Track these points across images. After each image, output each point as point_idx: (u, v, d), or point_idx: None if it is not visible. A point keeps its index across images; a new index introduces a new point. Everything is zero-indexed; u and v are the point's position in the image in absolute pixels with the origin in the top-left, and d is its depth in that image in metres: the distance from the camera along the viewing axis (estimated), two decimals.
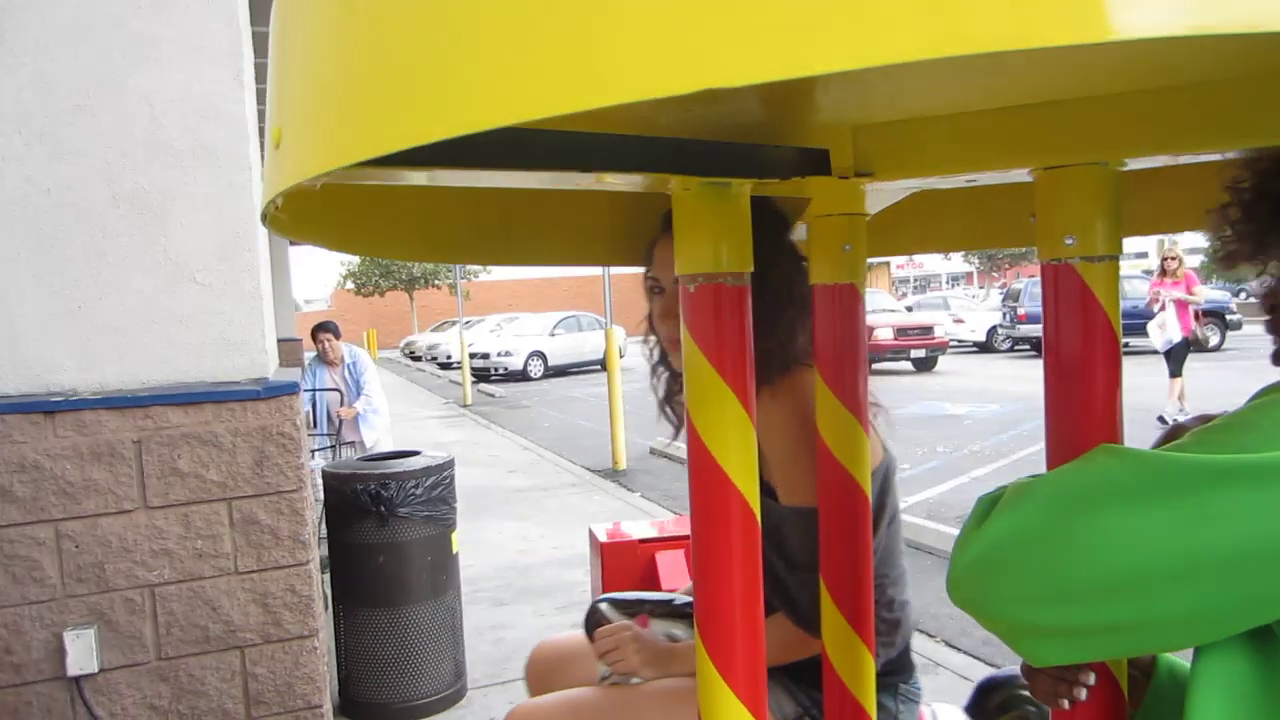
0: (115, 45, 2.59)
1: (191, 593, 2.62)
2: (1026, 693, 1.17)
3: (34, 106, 2.54)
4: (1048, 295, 0.90)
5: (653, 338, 1.44)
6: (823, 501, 1.10)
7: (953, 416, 10.75)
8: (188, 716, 2.62)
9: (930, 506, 6.38)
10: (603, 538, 2.11)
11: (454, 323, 27.06)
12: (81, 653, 2.48)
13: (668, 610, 1.53)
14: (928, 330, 18.21)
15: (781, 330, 1.29)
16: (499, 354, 21.92)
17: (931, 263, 69.29)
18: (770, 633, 1.26)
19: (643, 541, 2.11)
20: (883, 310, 18.93)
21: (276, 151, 0.52)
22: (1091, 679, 0.91)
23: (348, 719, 3.29)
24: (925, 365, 18.04)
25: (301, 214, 0.84)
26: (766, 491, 1.30)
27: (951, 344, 23.33)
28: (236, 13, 2.74)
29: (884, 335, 16.89)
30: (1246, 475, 0.67)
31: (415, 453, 3.51)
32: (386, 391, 6.62)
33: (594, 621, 1.52)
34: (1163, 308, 9.70)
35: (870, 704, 1.12)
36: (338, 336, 6.32)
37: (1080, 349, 0.87)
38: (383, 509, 3.22)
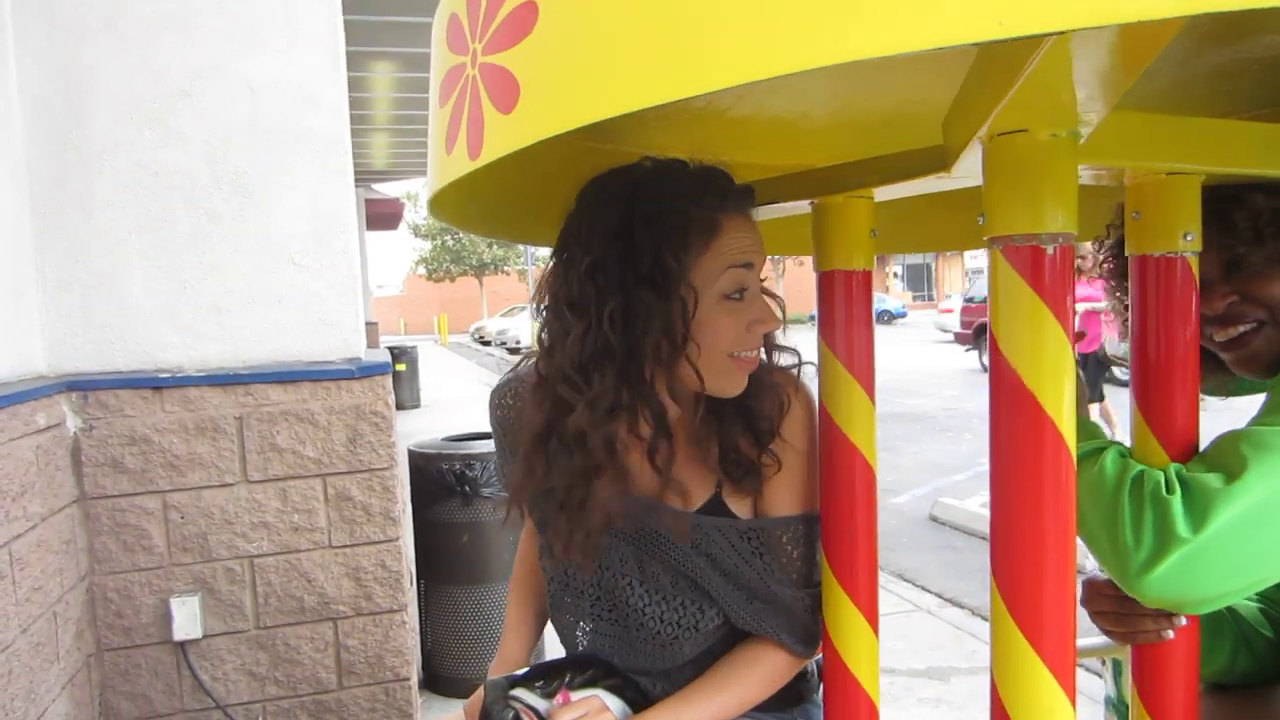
0: (220, 31, 2.67)
1: (288, 565, 2.71)
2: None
3: (143, 92, 2.63)
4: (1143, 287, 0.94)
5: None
6: (836, 487, 1.10)
7: None
8: (284, 684, 2.71)
9: None
10: None
11: (523, 308, 27.32)
12: (186, 619, 2.58)
13: (587, 678, 1.22)
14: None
15: None
16: None
17: None
18: (759, 669, 1.19)
19: None
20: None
21: (508, 116, 0.55)
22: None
23: (430, 692, 3.36)
24: None
25: (460, 200, 0.86)
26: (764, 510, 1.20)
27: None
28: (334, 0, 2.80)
29: None
30: None
31: None
32: (460, 375, 6.71)
33: (509, 716, 1.14)
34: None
35: (875, 692, 1.12)
36: None
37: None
38: (467, 489, 3.27)
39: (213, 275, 2.69)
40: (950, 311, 26.17)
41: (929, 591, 4.45)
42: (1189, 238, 0.95)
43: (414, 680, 2.90)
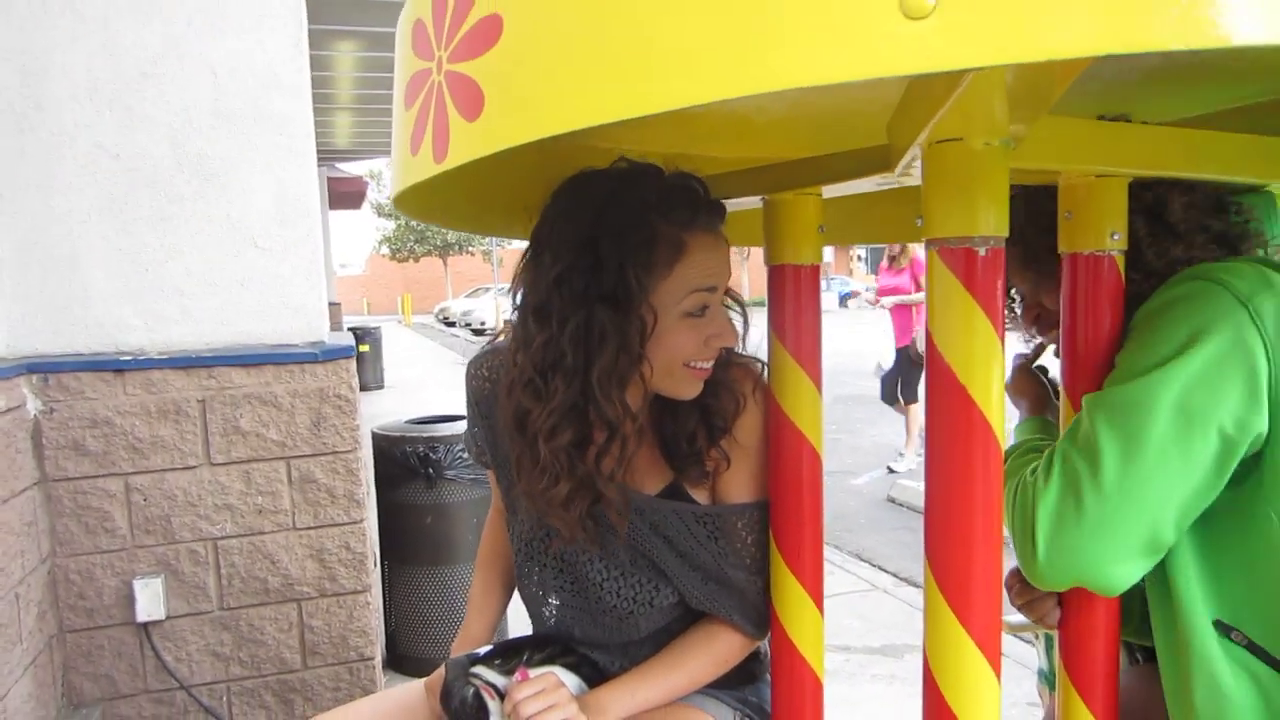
0: (181, 14, 2.65)
1: (252, 546, 2.72)
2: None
3: (104, 74, 2.61)
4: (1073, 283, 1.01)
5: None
6: (784, 473, 1.15)
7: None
8: (248, 664, 2.73)
9: None
10: None
11: (488, 289, 27.20)
12: (149, 600, 2.59)
13: (545, 657, 1.27)
14: None
15: None
16: None
17: None
18: (712, 648, 1.25)
19: None
20: None
21: (472, 123, 0.59)
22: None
23: (394, 671, 3.40)
24: None
25: (426, 197, 0.89)
26: (714, 498, 1.25)
27: None
28: None
29: None
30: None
31: (463, 417, 3.58)
32: (424, 357, 6.71)
33: (472, 695, 1.17)
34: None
35: (820, 668, 1.18)
36: None
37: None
38: (430, 471, 3.30)
39: (175, 258, 2.69)
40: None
41: (885, 571, 4.56)
42: (1115, 237, 1.02)
43: (378, 660, 2.94)
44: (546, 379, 1.10)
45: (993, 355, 0.77)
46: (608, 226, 1.07)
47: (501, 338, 1.33)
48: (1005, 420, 0.80)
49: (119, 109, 2.63)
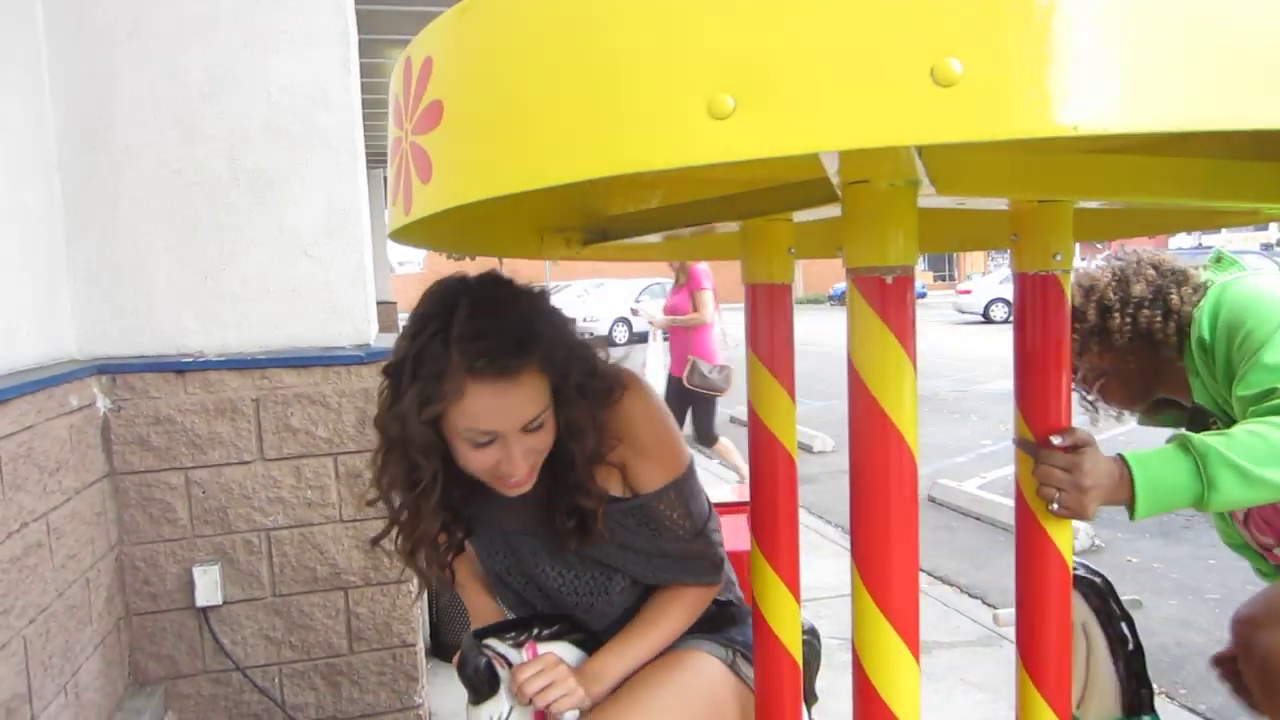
0: (238, 37, 2.83)
1: (302, 537, 2.90)
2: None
3: (166, 94, 2.80)
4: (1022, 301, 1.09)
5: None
6: (760, 474, 1.25)
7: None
8: (298, 648, 2.91)
9: (1006, 484, 6.36)
10: None
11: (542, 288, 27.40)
12: (208, 586, 2.78)
13: (553, 633, 1.37)
14: None
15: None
16: (584, 319, 22.27)
17: None
18: (681, 601, 1.40)
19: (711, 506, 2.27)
20: None
21: (426, 185, 0.72)
22: None
23: (436, 659, 3.56)
24: None
25: (416, 234, 1.01)
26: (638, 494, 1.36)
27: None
28: (345, 3, 2.96)
29: None
30: None
31: None
32: None
33: (484, 664, 1.26)
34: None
35: (798, 653, 1.28)
36: None
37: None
38: None
39: (231, 266, 2.87)
40: (968, 293, 26.07)
41: (921, 569, 4.59)
42: (1058, 258, 1.10)
43: (420, 647, 3.10)
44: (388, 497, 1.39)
45: (903, 373, 0.86)
46: (417, 357, 1.22)
47: None
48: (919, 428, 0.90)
49: (180, 127, 2.82)
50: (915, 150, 0.80)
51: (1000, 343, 17.58)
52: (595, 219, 1.51)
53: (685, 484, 1.37)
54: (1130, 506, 1.26)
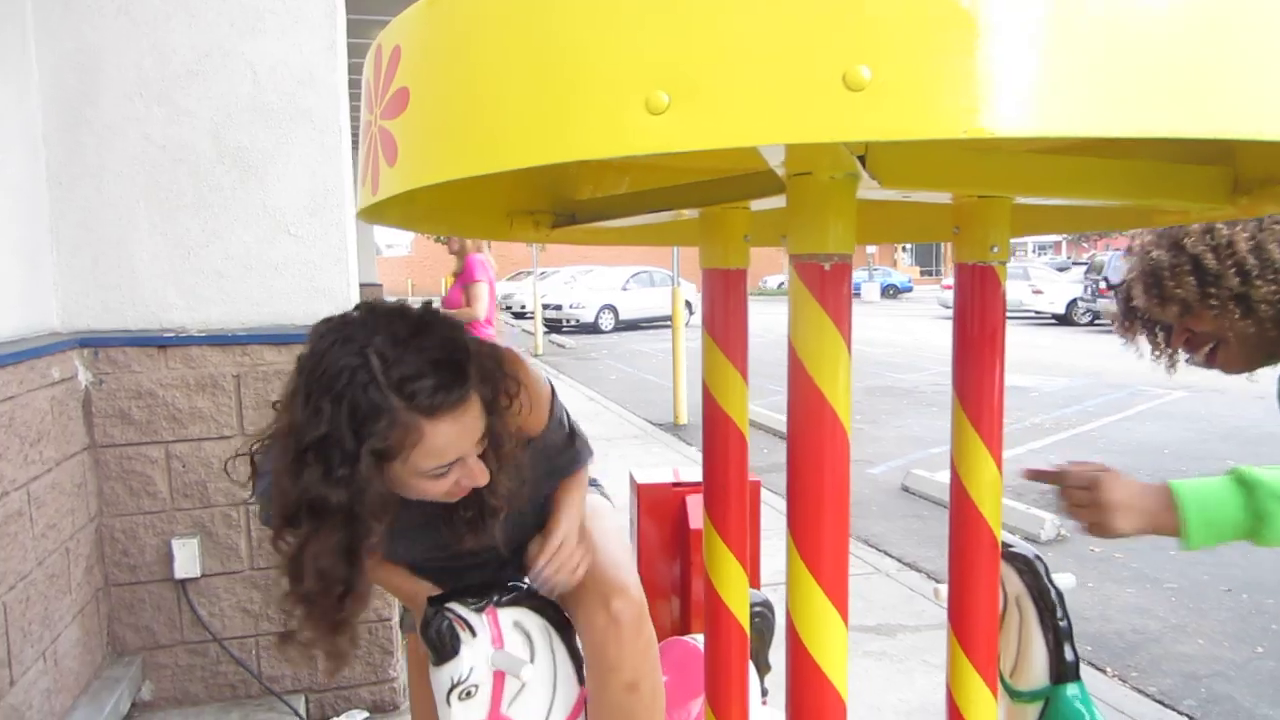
0: (225, 16, 2.86)
1: None
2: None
3: (152, 72, 2.83)
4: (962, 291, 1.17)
5: None
6: (714, 452, 1.32)
7: (1019, 388, 10.70)
8: (275, 620, 2.96)
9: None
10: (641, 480, 2.35)
11: (529, 273, 27.46)
12: (186, 559, 2.83)
13: (513, 599, 1.42)
14: None
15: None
16: (571, 306, 22.30)
17: None
18: (577, 481, 1.61)
19: (675, 485, 2.33)
20: None
21: (392, 168, 0.78)
22: None
23: (412, 632, 3.62)
24: None
25: (383, 212, 1.06)
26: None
27: (1027, 315, 23.04)
28: None
29: None
30: None
31: None
32: None
33: (446, 627, 1.31)
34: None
35: (745, 621, 1.35)
36: None
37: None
38: None
39: (214, 243, 2.91)
40: (952, 287, 26.27)
41: (890, 556, 4.69)
42: (995, 250, 1.16)
43: (395, 620, 3.15)
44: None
45: (838, 354, 0.92)
46: (351, 411, 1.14)
47: None
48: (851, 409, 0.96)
49: (166, 104, 2.85)
50: (853, 148, 0.86)
51: None
52: (564, 203, 1.56)
53: (556, 405, 1.54)
54: (1180, 534, 1.31)
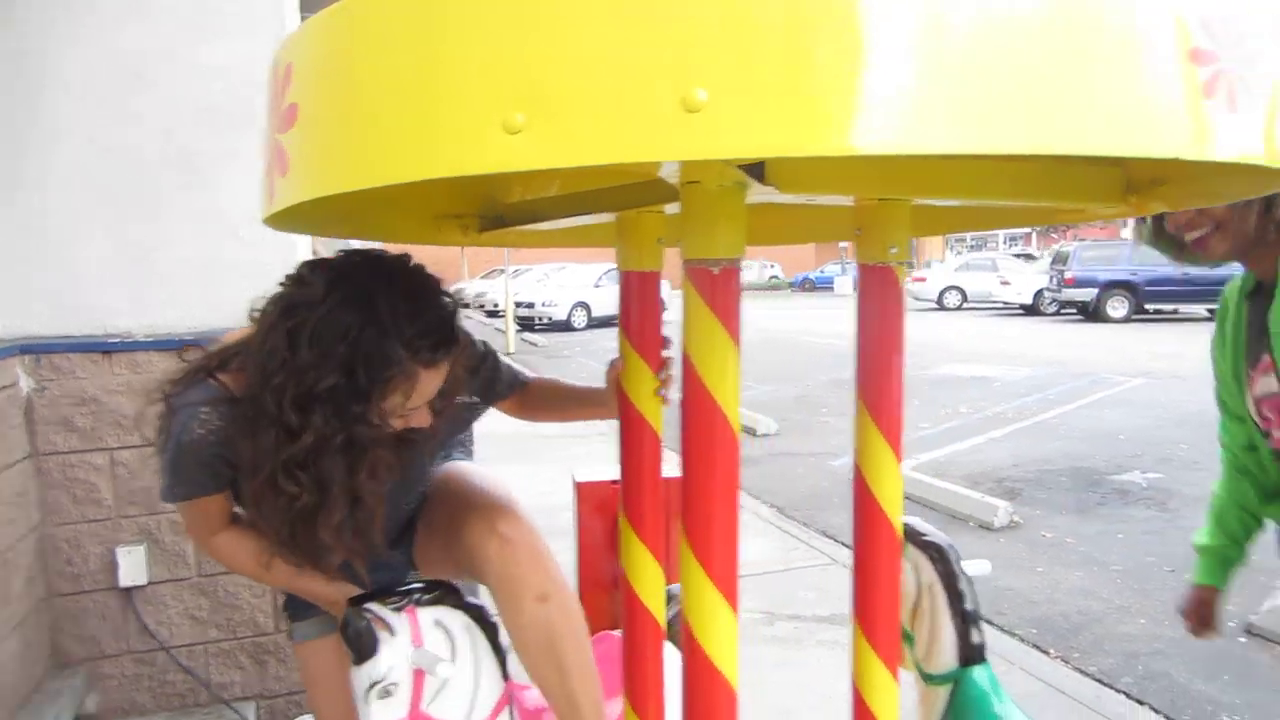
0: (175, 19, 2.84)
1: None
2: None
3: (99, 74, 2.80)
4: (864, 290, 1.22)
5: None
6: (629, 449, 1.37)
7: (983, 378, 10.84)
8: (224, 627, 2.96)
9: (939, 466, 6.56)
10: (580, 478, 2.37)
11: (503, 270, 27.37)
12: (132, 567, 2.82)
13: (434, 598, 1.42)
14: None
15: None
16: (543, 303, 22.27)
17: None
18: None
19: (614, 482, 2.36)
20: None
21: (284, 179, 0.79)
22: None
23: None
24: None
25: (288, 220, 1.07)
26: None
27: (995, 306, 23.31)
28: None
29: None
30: None
31: None
32: None
33: (365, 627, 1.31)
34: None
35: (661, 617, 1.39)
36: None
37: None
38: None
39: (162, 247, 2.89)
40: (924, 280, 26.59)
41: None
42: (894, 250, 1.19)
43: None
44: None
45: (727, 355, 0.95)
46: (364, 357, 1.30)
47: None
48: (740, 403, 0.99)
49: (112, 106, 2.82)
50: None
51: (950, 329, 17.93)
52: (493, 206, 1.58)
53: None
54: None
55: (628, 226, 1.32)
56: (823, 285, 36.64)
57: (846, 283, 36.16)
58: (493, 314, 26.21)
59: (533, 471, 6.59)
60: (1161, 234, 1.71)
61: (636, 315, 1.32)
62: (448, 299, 1.43)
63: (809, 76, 0.62)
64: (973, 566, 1.58)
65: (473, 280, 32.58)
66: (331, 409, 1.31)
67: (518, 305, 21.26)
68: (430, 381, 1.38)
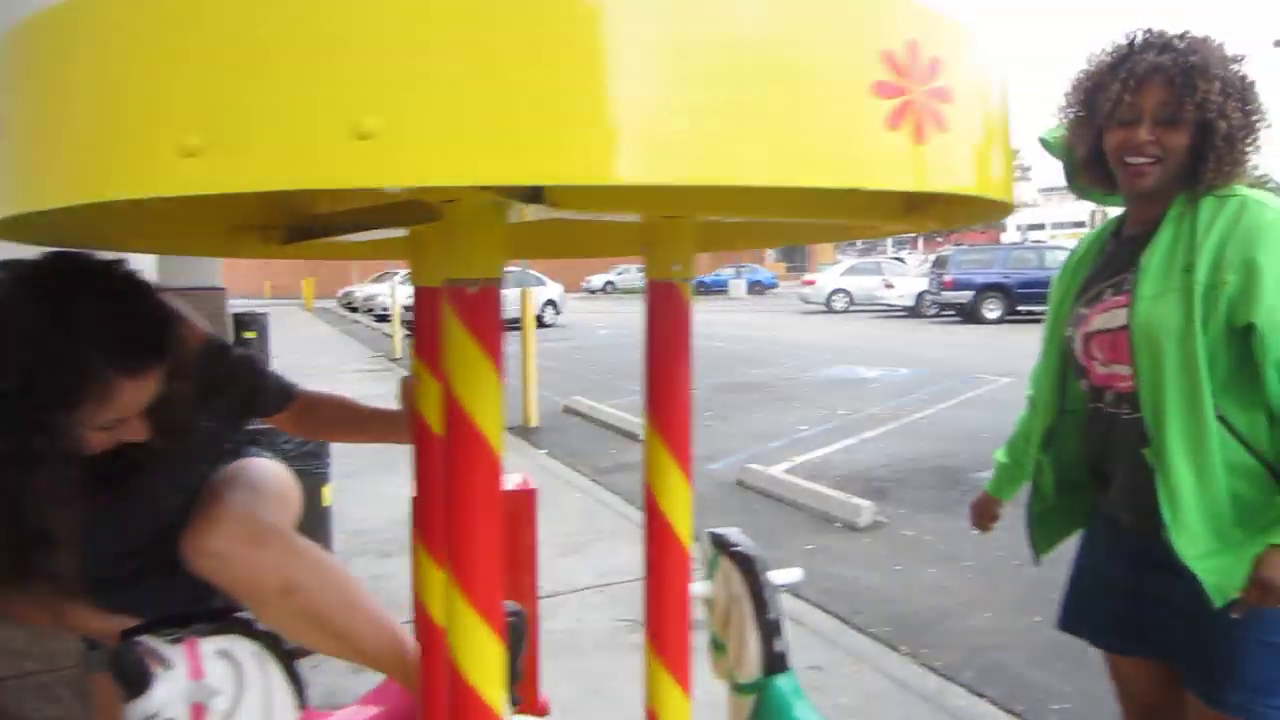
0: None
1: None
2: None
3: None
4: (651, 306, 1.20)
5: None
6: (423, 478, 1.35)
7: (862, 379, 11.17)
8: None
9: (813, 467, 6.71)
10: None
11: (394, 273, 26.84)
12: None
13: (219, 627, 1.36)
14: None
15: None
16: None
17: None
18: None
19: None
20: None
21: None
22: None
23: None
24: None
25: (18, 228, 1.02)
26: None
27: (880, 308, 24.11)
28: None
29: None
30: None
31: None
32: (319, 343, 6.72)
33: (135, 661, 1.25)
34: None
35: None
36: None
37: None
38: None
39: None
40: (813, 283, 27.40)
41: None
42: (677, 268, 1.20)
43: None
44: None
45: (486, 377, 0.94)
46: (49, 362, 1.19)
47: None
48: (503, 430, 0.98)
49: None
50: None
51: (836, 331, 18.43)
52: (299, 217, 1.54)
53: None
54: None
55: (420, 242, 1.30)
56: (716, 288, 37.21)
57: (740, 286, 36.83)
58: (382, 318, 25.69)
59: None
60: (1092, 166, 1.76)
61: (430, 333, 1.30)
62: (161, 305, 1.34)
63: (491, 106, 0.61)
64: (785, 575, 1.61)
65: (362, 284, 31.87)
66: (3, 416, 1.19)
67: (405, 309, 20.84)
68: (136, 393, 1.27)
